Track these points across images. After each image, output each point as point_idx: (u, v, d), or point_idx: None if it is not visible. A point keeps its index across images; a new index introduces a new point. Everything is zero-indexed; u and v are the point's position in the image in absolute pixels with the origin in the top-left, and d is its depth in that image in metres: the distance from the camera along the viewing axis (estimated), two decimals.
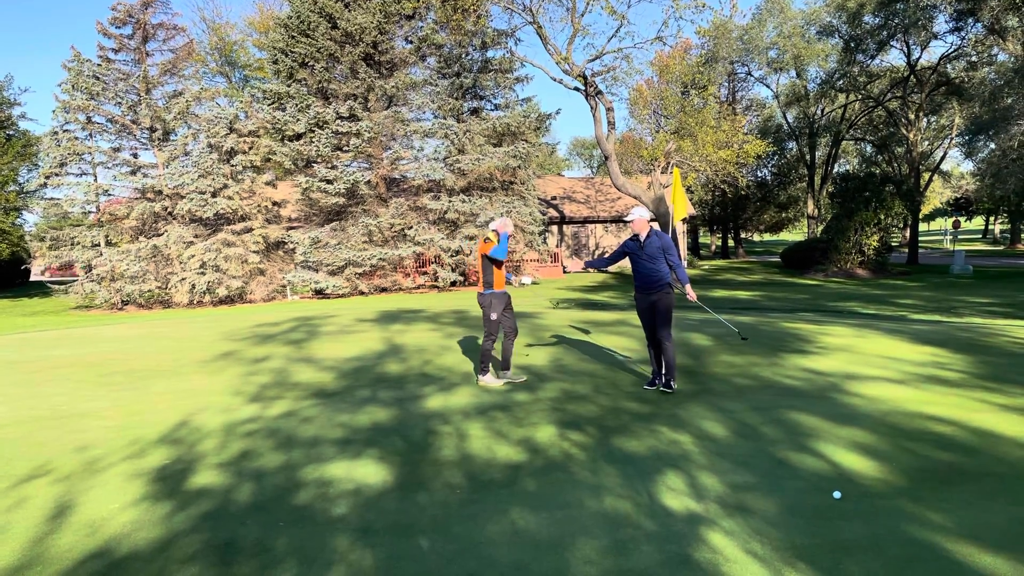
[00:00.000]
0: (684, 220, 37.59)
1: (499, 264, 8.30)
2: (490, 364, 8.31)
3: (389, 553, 3.99)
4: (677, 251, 7.69)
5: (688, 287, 7.66)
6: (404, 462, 5.55)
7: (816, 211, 48.32)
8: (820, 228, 43.31)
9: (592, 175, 60.90)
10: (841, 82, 42.98)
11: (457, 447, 5.87)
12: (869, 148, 56.38)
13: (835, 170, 50.50)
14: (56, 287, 27.56)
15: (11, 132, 30.17)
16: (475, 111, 30.66)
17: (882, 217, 31.71)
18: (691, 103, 34.67)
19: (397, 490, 4.97)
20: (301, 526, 4.39)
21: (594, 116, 28.51)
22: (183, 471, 5.47)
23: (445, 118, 28.56)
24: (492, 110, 31.16)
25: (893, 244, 34.80)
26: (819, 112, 49.13)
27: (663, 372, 7.60)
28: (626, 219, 7.67)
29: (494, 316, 8.20)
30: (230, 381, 9.00)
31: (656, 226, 7.61)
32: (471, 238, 27.33)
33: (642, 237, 7.53)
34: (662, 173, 29.43)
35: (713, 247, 65.91)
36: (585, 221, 39.36)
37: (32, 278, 43.60)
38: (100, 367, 10.52)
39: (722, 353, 9.51)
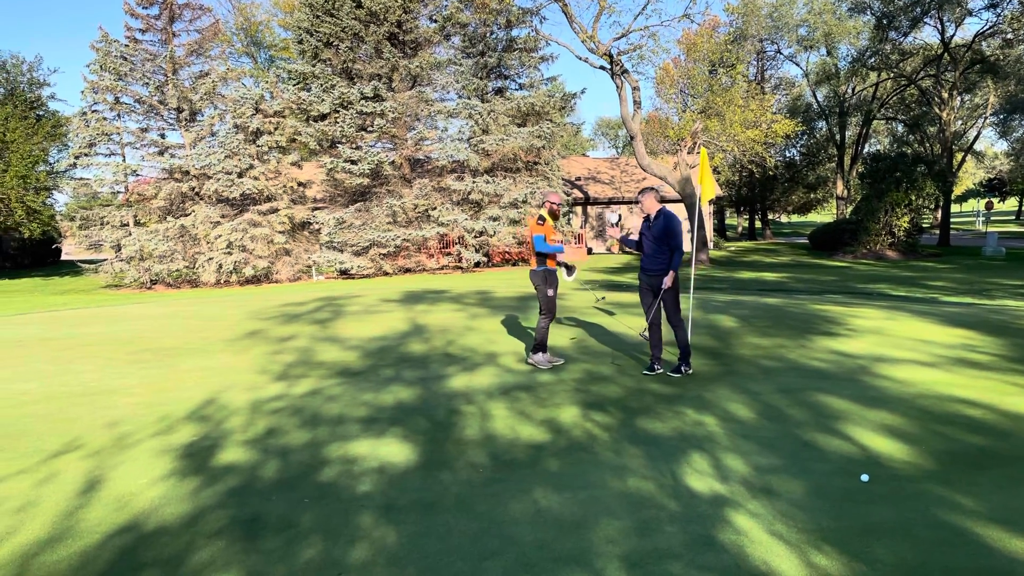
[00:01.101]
0: (711, 201, 37.27)
1: (535, 247, 7.96)
2: (546, 343, 8.08)
3: (412, 530, 4.00)
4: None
5: (671, 275, 7.15)
6: (428, 441, 5.56)
7: (845, 192, 47.64)
8: (849, 209, 42.72)
9: (617, 155, 60.51)
10: (873, 60, 42.18)
11: (480, 427, 5.87)
12: (901, 128, 55.36)
13: (865, 150, 49.71)
14: (86, 266, 27.96)
15: (41, 113, 30.51)
16: (499, 91, 30.50)
17: (913, 198, 31.19)
18: (719, 82, 34.21)
19: (421, 468, 4.99)
20: (326, 503, 4.42)
21: (620, 95, 28.25)
22: (210, 447, 5.53)
23: (469, 98, 28.44)
24: (517, 90, 30.98)
25: (924, 225, 34.25)
26: (850, 91, 48.28)
27: (677, 357, 7.48)
28: (639, 197, 7.47)
29: (551, 293, 7.87)
30: (256, 360, 9.09)
31: (668, 208, 7.38)
32: (495, 219, 27.28)
33: (652, 217, 7.36)
34: (688, 153, 29.13)
35: (740, 228, 65.30)
36: (610, 202, 39.11)
37: (63, 257, 44.26)
38: (129, 345, 10.66)
39: (748, 335, 9.42)
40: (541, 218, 7.88)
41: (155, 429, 6.04)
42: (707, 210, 36.50)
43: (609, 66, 27.72)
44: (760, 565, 3.50)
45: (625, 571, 3.48)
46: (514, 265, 29.87)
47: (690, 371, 7.42)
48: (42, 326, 13.42)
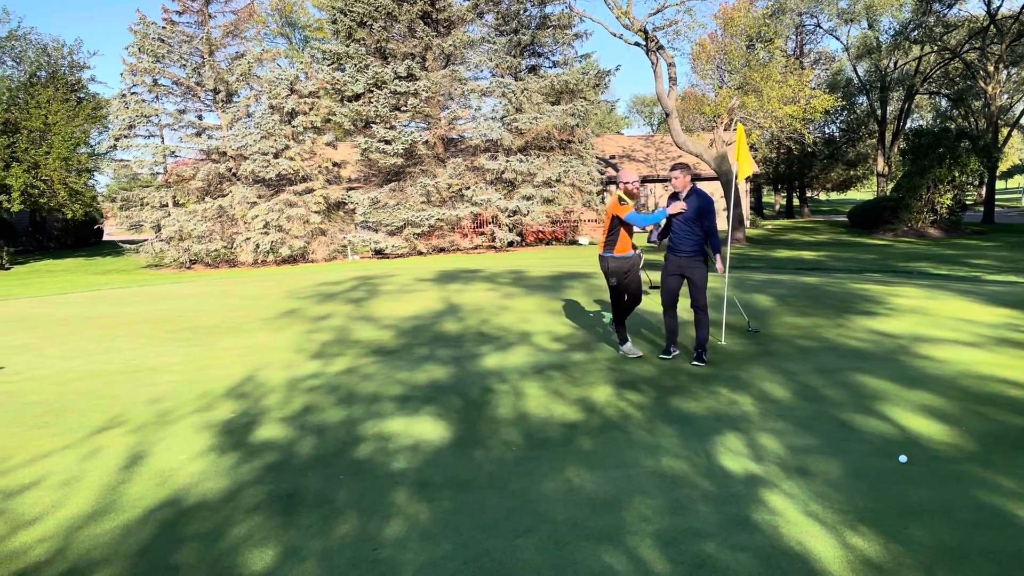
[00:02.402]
0: (748, 179, 36.77)
1: (629, 229, 7.20)
2: (625, 329, 7.51)
3: (446, 507, 4.04)
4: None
5: (718, 258, 7.08)
6: (461, 419, 5.60)
7: (886, 168, 46.65)
8: (890, 186, 41.83)
9: (652, 133, 59.85)
10: (916, 33, 41.07)
11: (514, 405, 5.89)
12: (944, 102, 53.93)
13: (907, 125, 48.48)
14: (128, 246, 28.49)
15: (81, 95, 31.01)
16: (533, 69, 30.29)
17: (956, 174, 30.41)
18: (756, 57, 33.60)
19: (454, 446, 5.02)
20: (361, 479, 4.48)
21: (655, 72, 27.90)
22: (249, 424, 5.63)
23: (503, 76, 28.30)
24: (550, 67, 30.74)
25: (968, 202, 33.42)
26: (892, 65, 47.10)
27: (696, 345, 7.09)
28: (673, 171, 7.08)
29: (613, 282, 7.23)
30: (293, 338, 9.21)
31: (703, 186, 7.18)
32: (528, 198, 27.21)
33: (682, 195, 7.02)
34: (725, 130, 28.72)
35: (777, 206, 64.34)
36: (644, 180, 38.74)
37: (105, 237, 45.13)
38: (169, 323, 10.86)
39: (786, 314, 9.31)
40: (621, 199, 7.11)
41: (195, 406, 6.16)
42: (744, 188, 36.01)
43: (644, 42, 27.36)
44: (794, 545, 3.47)
45: (658, 550, 3.48)
46: (547, 244, 29.81)
47: (707, 361, 7.04)
48: (85, 305, 13.73)
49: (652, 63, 27.82)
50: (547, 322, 9.50)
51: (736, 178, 8.45)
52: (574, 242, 30.08)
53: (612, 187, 38.35)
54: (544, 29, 29.46)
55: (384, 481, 4.45)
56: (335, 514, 3.99)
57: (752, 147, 41.33)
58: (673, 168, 7.14)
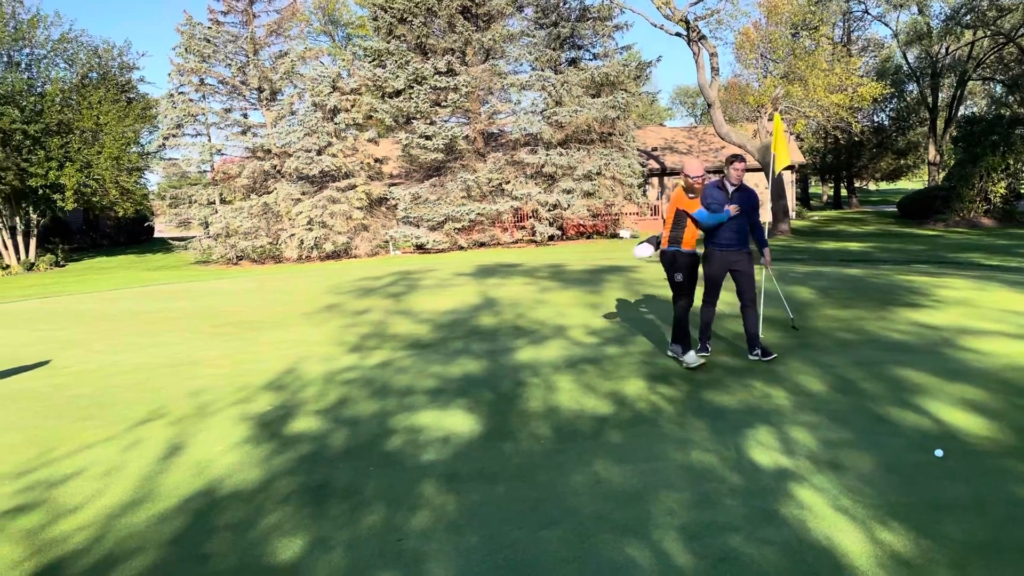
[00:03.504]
0: (792, 169, 36.14)
1: (698, 224, 6.61)
2: (689, 337, 6.79)
3: (473, 499, 4.07)
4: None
5: (767, 252, 6.88)
6: (492, 412, 5.63)
7: (938, 157, 45.40)
8: (941, 175, 40.72)
9: (695, 124, 59.17)
10: (968, 17, 39.84)
11: (545, 399, 5.90)
12: (999, 88, 52.25)
13: (960, 113, 47.11)
14: (177, 243, 29.13)
15: (131, 96, 31.74)
16: (573, 61, 30.15)
17: (1011, 162, 29.47)
18: (801, 45, 32.95)
19: (484, 439, 5.06)
20: (391, 471, 4.54)
21: (697, 62, 27.56)
22: (285, 416, 5.74)
23: (543, 70, 28.23)
24: (590, 60, 30.55)
25: (1023, 191, 32.40)
26: (943, 51, 45.77)
27: (748, 339, 6.83)
28: (727, 163, 6.76)
29: (679, 278, 6.64)
30: (332, 332, 9.34)
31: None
32: (568, 192, 27.11)
33: (738, 188, 6.71)
34: (768, 120, 28.26)
35: (825, 197, 63.11)
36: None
37: (155, 235, 46.19)
38: (214, 318, 11.10)
39: (826, 307, 9.15)
40: (691, 192, 6.55)
41: (234, 398, 6.30)
42: (789, 179, 35.40)
43: (685, 32, 27.05)
44: (822, 540, 3.43)
45: (682, 543, 3.47)
46: (588, 238, 29.69)
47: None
48: (134, 301, 14.10)
49: (694, 53, 27.50)
50: (583, 316, 9.48)
51: (772, 169, 8.31)
52: (615, 235, 29.91)
53: (654, 179, 38.04)
54: (584, 21, 29.30)
55: (413, 473, 4.50)
56: (363, 505, 4.06)
57: (797, 137, 40.63)
58: (734, 160, 6.75)
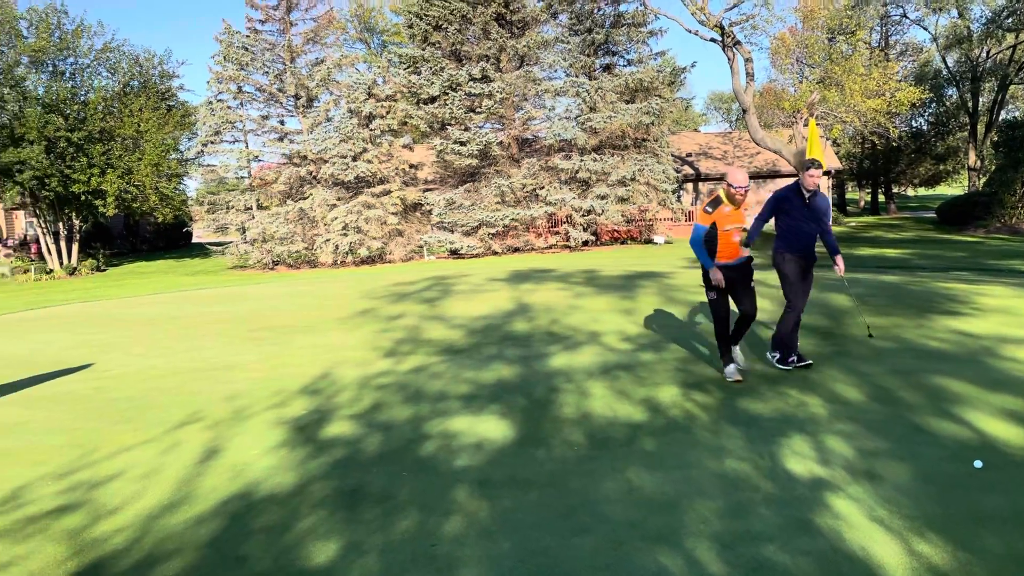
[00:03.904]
0: (829, 175, 35.65)
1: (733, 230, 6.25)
2: (731, 349, 6.53)
3: (506, 505, 4.07)
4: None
5: (839, 259, 6.55)
6: (525, 418, 5.63)
7: (978, 163, 44.48)
8: (982, 181, 39.88)
9: (730, 130, 58.67)
10: (1010, 20, 39.01)
11: (578, 405, 5.89)
12: None
13: (1001, 117, 46.10)
14: (214, 248, 29.61)
15: (171, 103, 32.35)
16: (607, 67, 30.11)
17: None
18: (838, 50, 32.55)
19: (517, 445, 5.06)
20: (424, 476, 4.56)
21: (731, 68, 27.37)
22: (319, 421, 5.79)
23: (576, 76, 28.23)
24: (624, 66, 30.48)
25: None
26: (983, 55, 44.85)
27: (780, 346, 6.57)
28: (802, 168, 6.37)
29: (712, 295, 6.32)
30: (367, 337, 9.42)
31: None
32: (603, 197, 27.06)
33: (812, 194, 6.37)
34: (804, 125, 27.93)
35: (862, 203, 62.16)
36: (722, 178, 38.01)
37: (193, 240, 46.97)
38: (249, 323, 11.25)
39: (863, 314, 9.00)
40: (717, 200, 6.23)
41: (270, 403, 6.37)
42: (824, 184, 34.94)
43: (720, 38, 26.88)
44: (857, 551, 3.38)
45: (714, 552, 3.44)
46: (622, 243, 29.59)
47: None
48: (172, 305, 14.35)
49: (729, 59, 27.31)
50: (617, 322, 9.44)
51: None
52: (649, 241, 29.78)
53: (688, 185, 37.81)
54: (618, 27, 29.25)
55: (446, 478, 4.52)
56: (397, 510, 4.08)
57: (834, 142, 40.11)
58: (809, 166, 6.34)
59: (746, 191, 6.17)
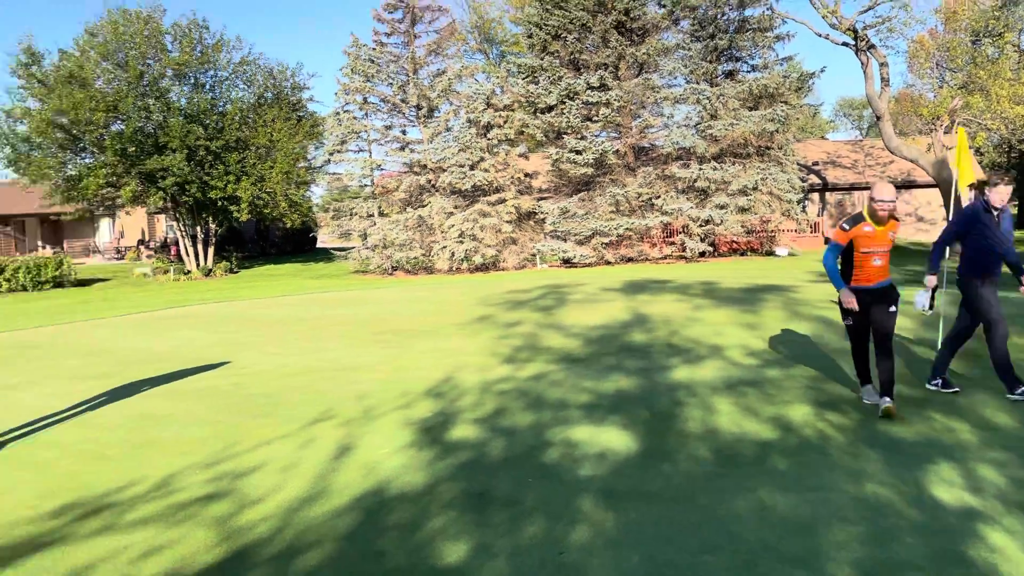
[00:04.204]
0: (972, 186, 33.51)
1: (872, 252, 5.73)
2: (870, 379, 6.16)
3: (632, 517, 4.03)
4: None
5: None
6: (648, 431, 5.56)
7: None
8: None
9: (860, 137, 56.17)
10: None
11: (703, 420, 5.76)
12: None
13: None
14: (338, 253, 30.73)
15: (301, 114, 33.80)
16: (730, 74, 29.43)
17: None
18: (983, 53, 30.63)
19: (641, 457, 5.00)
20: (548, 483, 4.57)
21: (865, 73, 26.22)
22: (444, 423, 5.91)
23: (697, 83, 27.73)
24: (748, 72, 29.69)
25: None
26: None
27: (1005, 373, 6.02)
28: (990, 184, 6.01)
29: (849, 321, 5.87)
30: (485, 343, 9.55)
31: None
32: (722, 207, 26.43)
33: (997, 210, 6.00)
34: (945, 133, 26.43)
35: None
36: (851, 188, 36.39)
37: (318, 244, 48.95)
38: (372, 326, 11.62)
39: (1013, 335, 8.40)
40: (859, 218, 5.73)
41: (396, 403, 6.56)
42: (968, 196, 32.90)
43: (853, 42, 25.81)
44: None
45: None
46: (741, 255, 28.79)
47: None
48: (300, 307, 15.00)
49: (862, 63, 26.18)
50: (740, 336, 9.20)
51: (956, 186, 7.77)
52: (771, 253, 28.85)
53: (814, 195, 36.41)
54: (743, 33, 28.55)
55: (570, 487, 4.51)
56: (524, 515, 4.10)
57: (977, 151, 37.71)
58: (998, 182, 6.00)
59: (891, 207, 5.55)
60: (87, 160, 29.47)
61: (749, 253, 28.98)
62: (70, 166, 29.41)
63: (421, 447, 5.33)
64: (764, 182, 26.80)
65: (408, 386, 7.22)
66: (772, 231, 29.25)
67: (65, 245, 40.50)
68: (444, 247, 27.44)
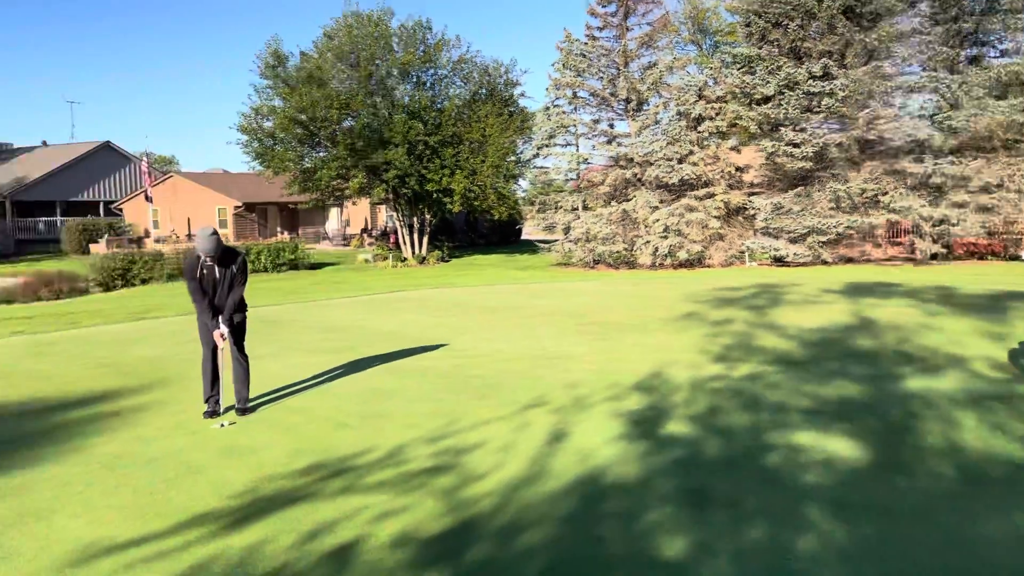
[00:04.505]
0: None
1: None
2: None
3: (866, 532, 3.76)
4: None
5: None
6: (879, 441, 5.17)
7: None
8: None
9: None
10: None
11: (943, 434, 5.27)
12: None
13: None
14: (542, 246, 31.37)
15: (512, 109, 34.75)
16: (974, 59, 26.65)
17: None
18: None
19: (873, 469, 4.66)
20: (771, 487, 4.38)
21: None
22: (655, 417, 5.85)
23: (935, 70, 25.39)
24: (996, 57, 26.76)
25: None
26: None
27: None
28: None
29: None
30: (694, 340, 9.33)
31: None
32: (960, 205, 24.03)
33: None
34: None
35: None
36: None
37: (523, 236, 50.21)
38: (579, 317, 11.73)
39: None
40: None
41: (606, 394, 6.57)
42: None
43: None
44: None
45: None
46: (980, 258, 26.06)
47: None
48: (508, 296, 15.46)
49: None
50: (984, 347, 8.32)
51: None
52: (1016, 257, 25.87)
53: None
54: (992, 15, 25.73)
55: (795, 493, 4.30)
56: (745, 518, 3.96)
57: None
58: None
59: None
60: (321, 154, 32.09)
61: (989, 257, 26.17)
62: (307, 159, 32.17)
63: (633, 439, 5.30)
64: (1011, 179, 24.08)
65: (617, 378, 7.21)
66: (1018, 234, 26.21)
67: (299, 231, 44.41)
68: (647, 242, 27.14)
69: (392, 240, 37.12)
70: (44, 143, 49.13)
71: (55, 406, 6.79)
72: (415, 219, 34.23)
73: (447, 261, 33.75)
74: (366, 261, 33.17)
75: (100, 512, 4.23)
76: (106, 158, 45.03)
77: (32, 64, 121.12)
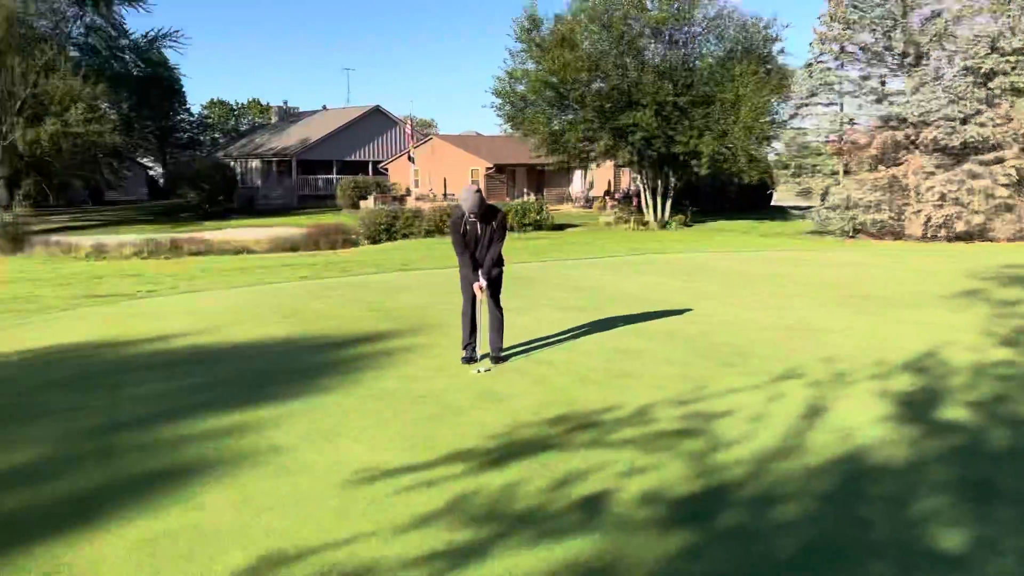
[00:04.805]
0: None
1: None
2: None
3: None
4: None
5: None
6: None
7: None
8: None
9: None
10: None
11: None
12: None
13: None
14: (794, 212, 29.65)
15: (769, 67, 32.83)
16: None
17: None
18: None
19: None
20: None
21: None
22: (929, 401, 5.36)
23: None
24: None
25: None
26: None
27: None
28: None
29: None
30: (976, 320, 8.41)
31: None
32: None
33: None
34: None
35: None
36: None
37: (773, 202, 47.75)
38: (837, 289, 11.00)
39: None
40: None
41: (871, 372, 6.11)
42: None
43: None
44: None
45: None
46: None
47: None
48: (758, 263, 14.84)
49: None
50: None
51: None
52: None
53: None
54: None
55: None
56: None
57: None
58: None
59: None
60: (569, 116, 32.52)
61: None
62: (555, 122, 32.75)
63: (903, 422, 4.89)
64: None
65: (884, 355, 6.67)
66: None
67: (544, 193, 45.55)
68: (919, 211, 24.67)
69: (635, 203, 36.92)
70: (324, 107, 54.54)
71: (335, 343, 7.60)
72: (659, 182, 33.74)
73: (690, 226, 33.04)
74: (608, 224, 33.36)
75: (376, 440, 4.69)
76: (375, 121, 49.04)
77: (315, 36, 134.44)
